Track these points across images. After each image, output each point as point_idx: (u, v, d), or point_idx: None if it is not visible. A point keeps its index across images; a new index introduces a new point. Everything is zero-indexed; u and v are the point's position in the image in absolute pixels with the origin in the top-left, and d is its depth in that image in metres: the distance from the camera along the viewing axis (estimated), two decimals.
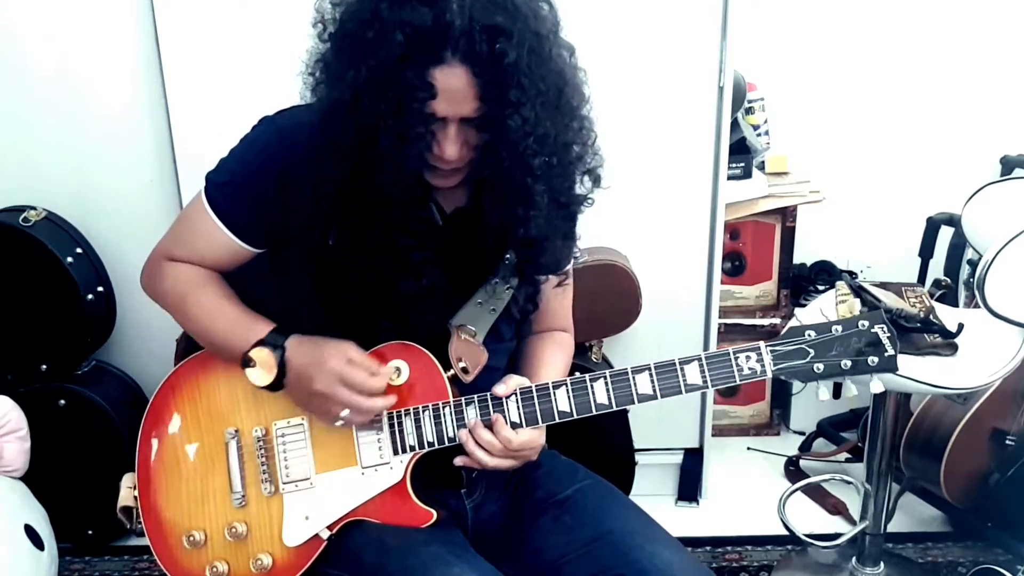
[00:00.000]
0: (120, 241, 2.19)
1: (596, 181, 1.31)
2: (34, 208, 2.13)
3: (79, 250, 2.15)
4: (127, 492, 1.44)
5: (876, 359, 1.26)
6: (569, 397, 1.29)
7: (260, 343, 1.31)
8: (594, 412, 1.29)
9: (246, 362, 1.31)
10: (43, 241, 2.09)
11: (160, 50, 2.06)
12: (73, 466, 2.16)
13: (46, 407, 2.13)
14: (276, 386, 1.32)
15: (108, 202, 2.19)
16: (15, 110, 2.13)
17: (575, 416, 1.30)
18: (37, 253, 2.09)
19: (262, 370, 1.31)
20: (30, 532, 1.85)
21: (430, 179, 1.25)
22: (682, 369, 1.28)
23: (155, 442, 1.43)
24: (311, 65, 1.22)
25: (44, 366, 2.17)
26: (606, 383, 1.29)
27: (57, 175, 2.17)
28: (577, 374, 1.32)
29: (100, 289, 2.18)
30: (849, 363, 1.26)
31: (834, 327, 1.27)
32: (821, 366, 1.26)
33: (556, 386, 1.30)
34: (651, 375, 1.28)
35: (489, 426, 1.30)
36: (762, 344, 1.27)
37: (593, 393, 1.29)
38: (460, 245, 1.31)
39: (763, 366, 1.27)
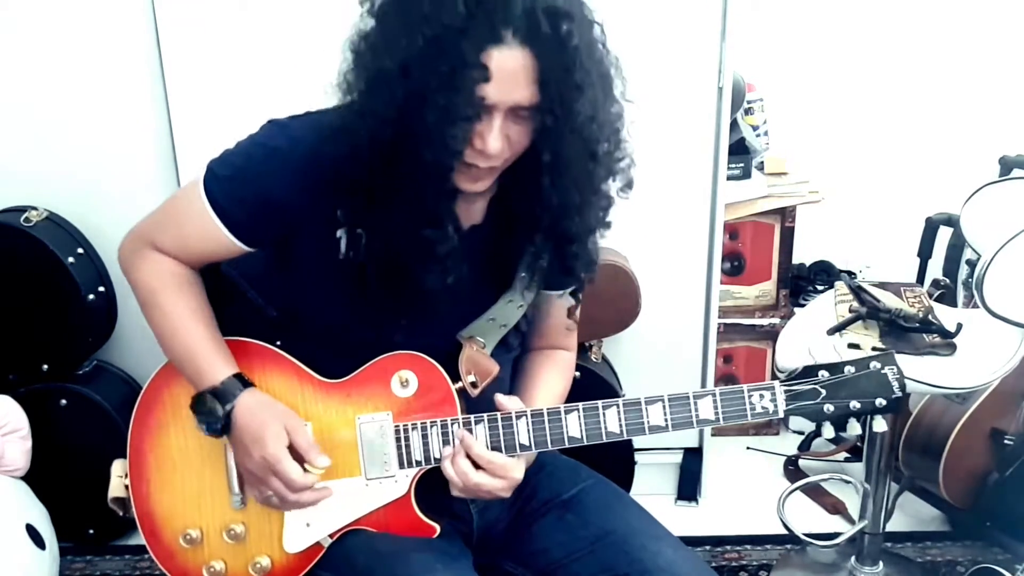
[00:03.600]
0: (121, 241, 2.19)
1: (628, 184, 1.34)
2: (35, 208, 2.13)
3: (80, 250, 2.15)
4: (118, 481, 1.38)
5: (883, 401, 1.26)
6: (580, 423, 1.28)
7: (213, 392, 1.28)
8: (604, 440, 1.28)
9: (197, 404, 1.30)
10: (44, 241, 2.09)
11: (160, 50, 2.07)
12: (74, 466, 2.15)
13: (47, 407, 2.14)
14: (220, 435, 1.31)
15: (109, 202, 2.18)
16: (16, 110, 2.13)
17: (585, 442, 1.28)
18: (38, 253, 2.09)
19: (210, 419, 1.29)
20: (31, 531, 1.85)
21: (459, 182, 1.18)
22: (695, 403, 1.26)
23: (148, 433, 1.38)
24: (355, 41, 1.16)
25: (45, 366, 2.17)
26: (618, 412, 1.27)
27: (58, 175, 2.17)
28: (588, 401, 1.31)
29: (101, 289, 2.17)
30: (858, 404, 1.26)
31: (847, 368, 1.26)
32: (831, 407, 1.25)
33: (568, 411, 1.28)
34: (664, 407, 1.26)
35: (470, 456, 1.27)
36: (776, 384, 1.26)
37: (605, 421, 1.28)
38: (474, 264, 1.28)
39: (775, 405, 1.26)
